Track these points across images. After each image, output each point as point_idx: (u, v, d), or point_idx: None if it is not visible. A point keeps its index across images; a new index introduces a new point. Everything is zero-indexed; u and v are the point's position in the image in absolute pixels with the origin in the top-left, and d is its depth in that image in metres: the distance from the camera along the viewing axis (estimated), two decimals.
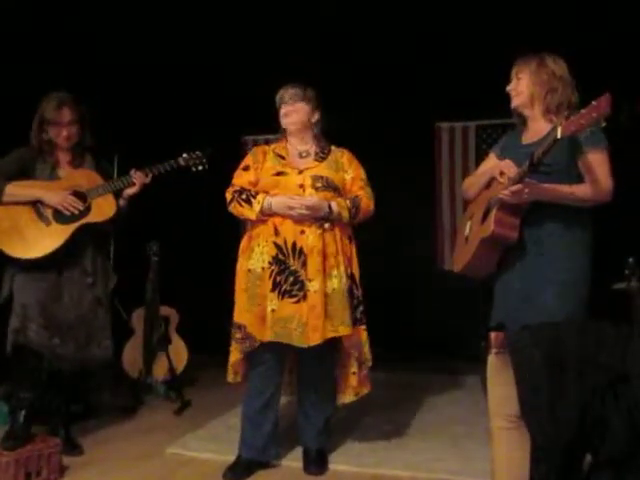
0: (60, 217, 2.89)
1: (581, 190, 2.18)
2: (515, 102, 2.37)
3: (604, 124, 1.94)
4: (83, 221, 2.91)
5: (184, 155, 3.13)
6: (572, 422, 1.87)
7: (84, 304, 2.96)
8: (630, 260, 3.48)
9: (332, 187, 2.79)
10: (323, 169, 2.82)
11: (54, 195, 2.89)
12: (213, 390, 3.99)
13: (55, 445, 2.73)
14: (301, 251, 2.68)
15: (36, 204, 2.89)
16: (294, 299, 2.65)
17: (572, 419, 1.87)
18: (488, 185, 2.41)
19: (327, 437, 2.92)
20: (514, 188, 2.12)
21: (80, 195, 2.94)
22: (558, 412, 1.90)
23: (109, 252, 3.10)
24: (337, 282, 2.69)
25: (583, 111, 1.91)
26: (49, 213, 2.89)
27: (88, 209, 2.93)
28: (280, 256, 2.70)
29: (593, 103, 1.88)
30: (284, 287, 2.67)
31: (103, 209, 2.96)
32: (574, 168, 2.21)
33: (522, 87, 2.33)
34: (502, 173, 2.23)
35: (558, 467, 1.90)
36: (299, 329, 2.62)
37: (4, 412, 3.18)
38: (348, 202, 2.79)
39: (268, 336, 2.65)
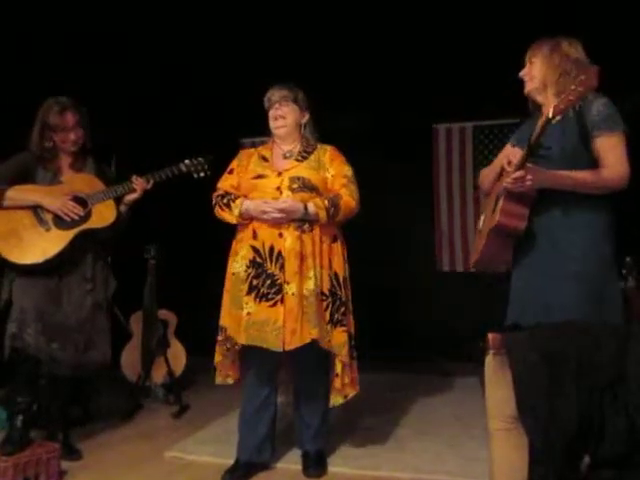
0: (60, 222, 2.88)
1: (592, 175, 2.08)
2: (528, 87, 2.29)
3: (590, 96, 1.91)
4: (83, 227, 2.90)
5: (186, 161, 3.13)
6: (570, 423, 1.87)
7: (84, 309, 2.95)
8: (627, 259, 3.47)
9: (309, 187, 2.73)
10: (303, 169, 2.77)
11: (54, 200, 2.88)
12: (211, 393, 3.98)
13: (53, 450, 2.72)
14: (279, 254, 2.65)
15: (36, 209, 2.88)
16: (270, 302, 2.63)
17: (570, 420, 1.87)
18: (500, 176, 2.31)
19: (325, 439, 2.91)
20: (516, 175, 2.04)
21: (80, 200, 2.93)
22: (556, 413, 1.90)
23: (109, 257, 3.11)
24: (312, 284, 2.65)
25: (572, 87, 1.88)
26: (49, 218, 2.89)
27: (88, 215, 2.92)
28: (257, 259, 2.68)
29: (581, 77, 1.86)
30: (261, 290, 2.65)
31: (104, 215, 2.95)
32: (585, 153, 2.12)
33: (535, 71, 2.25)
34: (510, 162, 2.14)
35: (556, 468, 1.90)
36: (274, 332, 2.60)
37: (2, 417, 3.17)
38: (326, 202, 2.70)
39: (243, 339, 2.64)
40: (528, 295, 2.16)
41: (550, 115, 1.91)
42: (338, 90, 4.73)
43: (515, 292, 2.24)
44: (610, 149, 2.08)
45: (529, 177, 2.04)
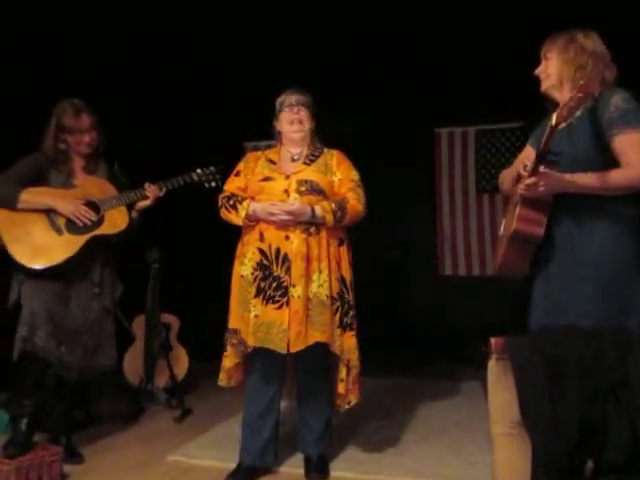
0: (72, 227, 2.89)
1: (611, 176, 2.01)
2: (544, 85, 2.23)
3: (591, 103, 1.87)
4: (95, 232, 2.90)
5: (198, 170, 3.16)
6: (573, 428, 1.87)
7: (91, 313, 2.96)
8: None
9: (317, 191, 2.74)
10: (311, 172, 2.78)
11: (67, 205, 2.88)
12: (214, 397, 3.98)
13: (56, 453, 2.73)
14: (285, 257, 2.66)
15: (49, 212, 2.88)
16: (276, 305, 2.63)
17: (573, 425, 1.87)
18: (519, 179, 2.23)
19: (328, 443, 2.90)
20: (529, 181, 2.00)
21: (93, 205, 2.94)
22: (559, 418, 1.89)
23: (117, 262, 3.12)
24: (316, 287, 2.66)
25: (573, 93, 1.86)
26: (62, 223, 2.89)
27: (101, 220, 2.93)
28: (264, 262, 2.69)
29: (581, 82, 1.84)
30: (268, 293, 2.66)
31: (116, 221, 2.96)
32: (600, 153, 2.06)
33: (551, 68, 2.19)
34: (525, 166, 2.09)
35: (559, 473, 1.89)
36: (279, 335, 2.60)
37: (4, 420, 3.17)
38: (333, 205, 2.72)
39: (251, 341, 2.65)
40: (549, 299, 2.14)
41: (553, 123, 1.88)
42: (341, 93, 4.74)
43: (537, 297, 2.21)
44: (631, 146, 2.00)
45: (541, 183, 2.00)
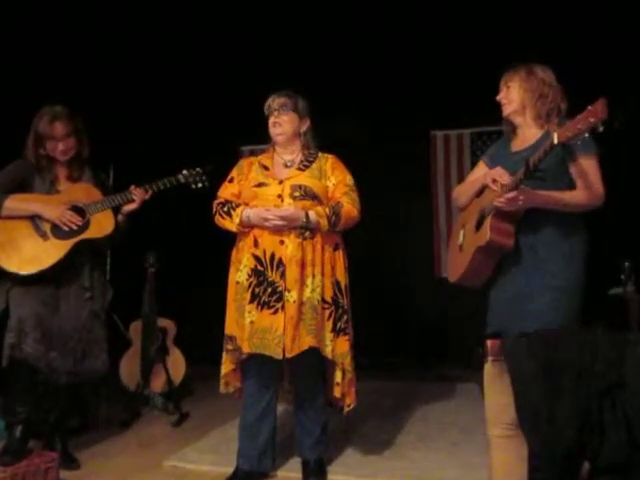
0: (58, 232, 2.87)
1: (575, 196, 2.21)
2: (506, 110, 2.39)
3: (601, 129, 1.92)
4: (81, 237, 2.89)
5: (184, 172, 3.12)
6: (569, 429, 1.87)
7: (81, 318, 2.94)
8: (626, 265, 3.48)
9: (311, 196, 2.73)
10: (305, 178, 2.78)
11: (52, 210, 2.87)
12: (211, 402, 3.97)
13: (52, 460, 2.70)
14: (280, 262, 2.65)
15: (34, 218, 2.87)
16: (272, 310, 2.63)
17: (569, 426, 1.87)
18: (479, 193, 2.42)
19: (325, 447, 2.89)
20: (510, 195, 2.13)
21: (79, 210, 2.92)
22: (555, 419, 1.89)
23: (105, 266, 3.10)
24: (310, 291, 2.66)
25: (579, 116, 1.91)
26: (47, 228, 2.87)
27: (87, 225, 2.91)
28: (259, 267, 2.68)
29: (589, 108, 1.89)
30: (263, 299, 2.65)
31: (102, 225, 2.95)
32: (565, 174, 2.23)
33: (513, 95, 2.36)
34: (495, 180, 2.24)
35: (556, 475, 1.89)
36: (275, 340, 2.60)
37: (0, 427, 3.16)
38: (327, 210, 2.71)
39: (246, 347, 2.64)
40: (508, 304, 2.25)
41: (555, 141, 1.97)
42: (337, 96, 4.75)
43: (497, 301, 2.32)
44: (590, 170, 2.20)
45: (521, 198, 2.14)
